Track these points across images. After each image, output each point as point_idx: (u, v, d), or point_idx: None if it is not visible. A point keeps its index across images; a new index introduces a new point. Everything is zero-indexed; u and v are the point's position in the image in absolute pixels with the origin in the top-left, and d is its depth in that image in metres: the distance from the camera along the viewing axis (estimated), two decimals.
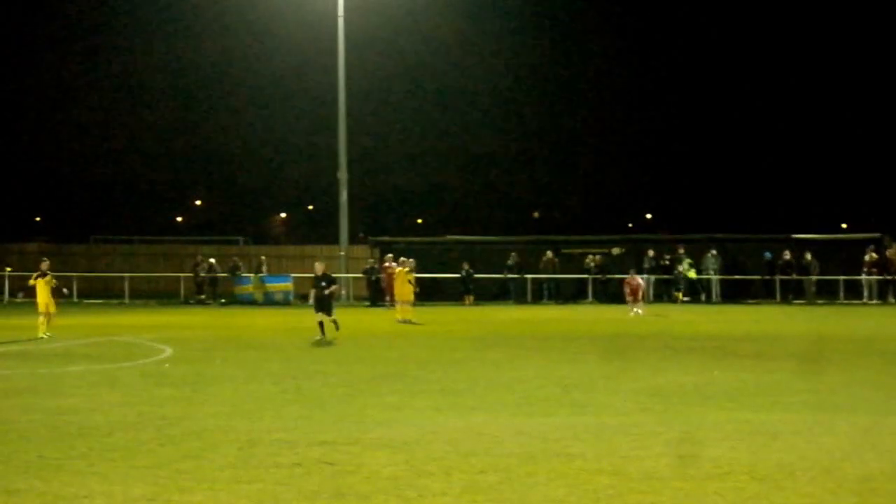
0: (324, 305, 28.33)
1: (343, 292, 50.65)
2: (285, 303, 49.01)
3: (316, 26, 55.60)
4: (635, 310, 39.79)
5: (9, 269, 30.67)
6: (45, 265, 30.76)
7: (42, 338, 28.74)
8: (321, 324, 28.04)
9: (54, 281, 30.63)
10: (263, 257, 52.93)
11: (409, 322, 34.97)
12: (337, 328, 28.32)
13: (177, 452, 12.10)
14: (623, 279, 42.45)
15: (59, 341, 27.91)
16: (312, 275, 29.60)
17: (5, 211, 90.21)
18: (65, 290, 32.78)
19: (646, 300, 42.71)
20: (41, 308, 29.80)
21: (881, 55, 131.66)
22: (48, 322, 29.59)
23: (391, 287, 41.40)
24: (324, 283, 28.49)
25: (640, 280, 42.02)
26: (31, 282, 30.41)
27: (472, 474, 10.86)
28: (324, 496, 9.99)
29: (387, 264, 45.43)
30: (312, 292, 29.12)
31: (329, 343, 27.01)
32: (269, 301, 49.28)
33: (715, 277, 49.14)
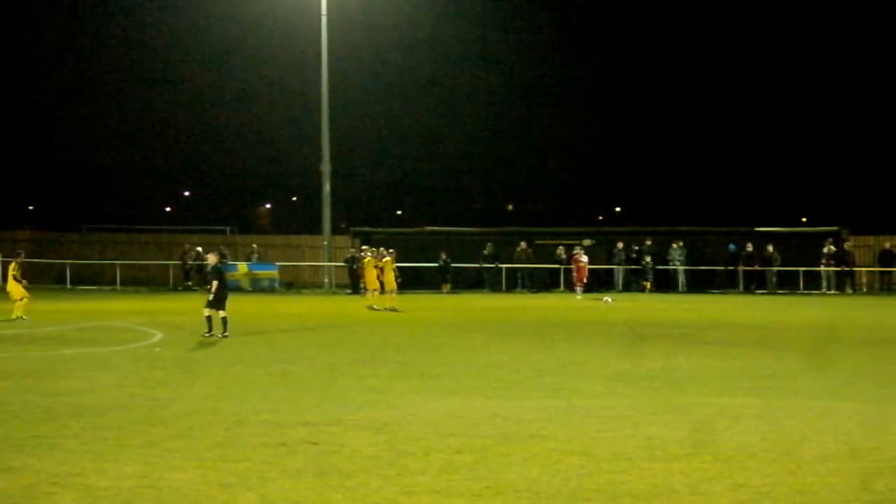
0: (218, 300, 24.56)
1: (326, 280, 50.77)
2: (271, 290, 48.99)
3: (302, 20, 55.44)
4: (579, 293, 41.23)
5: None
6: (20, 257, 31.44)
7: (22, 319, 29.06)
8: (209, 318, 24.44)
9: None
10: (255, 245, 52.95)
11: (392, 310, 34.93)
12: (225, 329, 24.39)
13: (167, 432, 12.11)
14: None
15: (51, 325, 27.82)
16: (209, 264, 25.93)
17: None
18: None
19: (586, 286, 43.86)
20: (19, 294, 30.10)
21: (843, 51, 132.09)
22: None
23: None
24: (218, 278, 24.87)
25: (584, 259, 43.06)
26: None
27: (449, 454, 10.92)
28: (307, 474, 10.03)
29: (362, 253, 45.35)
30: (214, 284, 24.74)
31: (217, 340, 23.86)
32: (256, 288, 49.19)
33: (681, 268, 49.28)
